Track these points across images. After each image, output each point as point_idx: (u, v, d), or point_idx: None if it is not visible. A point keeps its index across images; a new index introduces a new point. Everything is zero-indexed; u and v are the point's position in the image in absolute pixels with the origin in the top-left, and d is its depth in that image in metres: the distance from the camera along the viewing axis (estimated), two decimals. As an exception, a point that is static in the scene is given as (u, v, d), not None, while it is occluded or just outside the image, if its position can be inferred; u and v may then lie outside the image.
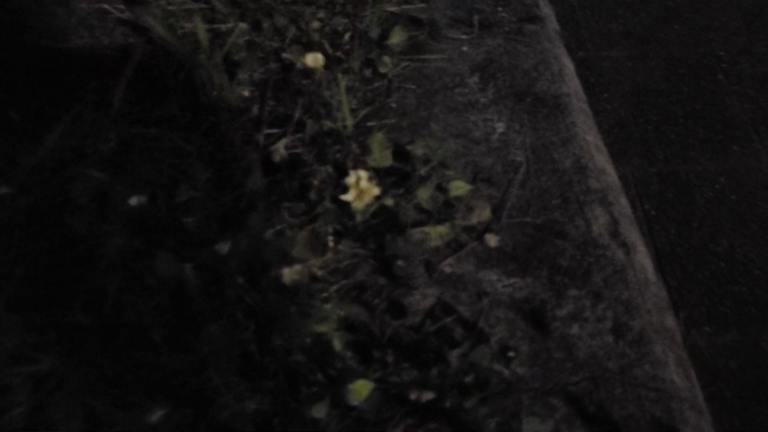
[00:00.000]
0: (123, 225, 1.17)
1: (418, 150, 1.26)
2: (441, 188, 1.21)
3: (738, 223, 1.93)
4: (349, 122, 1.30)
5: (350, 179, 1.08)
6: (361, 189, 1.07)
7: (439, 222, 1.16)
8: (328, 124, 1.34)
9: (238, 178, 1.32)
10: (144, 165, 1.36)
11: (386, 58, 1.52)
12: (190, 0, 1.83)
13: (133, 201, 1.12)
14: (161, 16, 1.76)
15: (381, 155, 1.20)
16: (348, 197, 1.08)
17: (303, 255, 0.92)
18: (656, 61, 2.51)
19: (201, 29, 1.69)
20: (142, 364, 1.09)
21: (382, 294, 1.15)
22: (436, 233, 1.14)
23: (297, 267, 0.89)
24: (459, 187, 1.19)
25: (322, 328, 0.94)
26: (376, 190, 1.08)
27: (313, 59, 1.21)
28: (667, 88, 2.36)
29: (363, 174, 1.08)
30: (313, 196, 1.17)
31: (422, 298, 1.14)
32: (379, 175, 1.28)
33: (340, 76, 1.21)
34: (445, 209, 1.21)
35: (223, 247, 1.05)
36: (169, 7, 1.81)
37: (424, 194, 1.15)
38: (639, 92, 2.35)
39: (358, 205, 1.08)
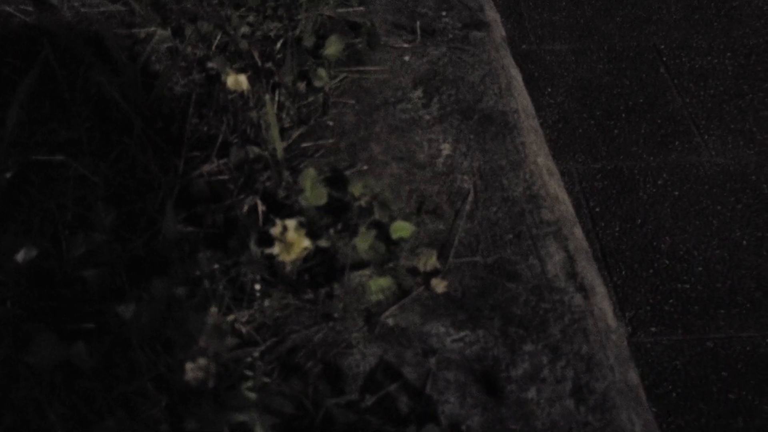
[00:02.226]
0: (12, 283, 0.93)
1: (358, 186, 1.05)
2: (381, 230, 1.01)
3: (680, 218, 1.88)
4: (279, 147, 1.09)
5: (275, 230, 0.87)
6: (288, 241, 0.87)
7: (380, 269, 0.96)
8: (255, 150, 1.12)
9: (151, 214, 1.10)
10: (43, 202, 1.12)
11: (322, 71, 1.30)
12: (107, 2, 1.56)
13: (20, 256, 0.89)
14: (72, 21, 1.49)
15: (314, 194, 0.99)
16: (274, 250, 0.88)
17: (212, 343, 0.72)
18: (598, 54, 2.41)
19: (114, 37, 1.43)
20: (34, 453, 0.87)
21: (316, 355, 0.96)
22: (377, 286, 0.95)
23: (201, 361, 0.69)
24: (402, 229, 0.99)
25: (241, 418, 0.75)
26: (306, 242, 0.88)
27: (234, 82, 0.99)
28: (610, 82, 2.28)
29: (290, 223, 0.87)
30: (234, 242, 0.96)
31: (362, 358, 0.95)
32: (315, 213, 1.07)
33: (268, 98, 1.00)
34: (387, 253, 1.01)
35: (126, 311, 0.84)
36: (83, 10, 1.53)
37: (362, 244, 0.95)
38: (582, 86, 2.26)
39: (286, 258, 0.87)
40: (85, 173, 1.17)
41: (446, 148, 1.21)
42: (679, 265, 1.75)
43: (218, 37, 1.43)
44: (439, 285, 1.00)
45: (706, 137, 2.06)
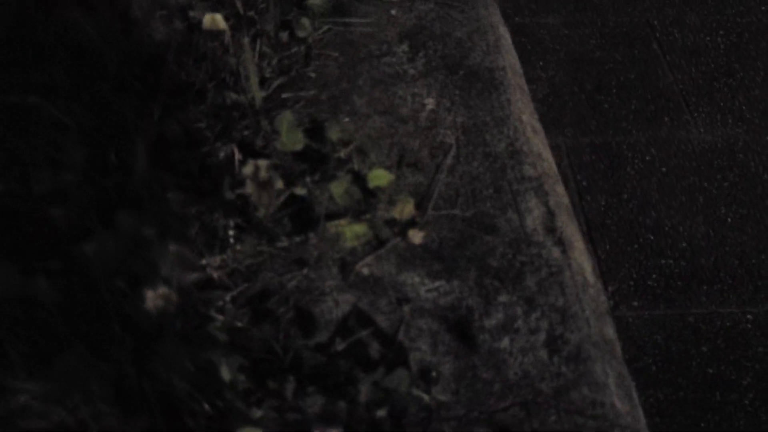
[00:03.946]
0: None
1: (336, 130, 1.04)
2: (359, 178, 1.00)
3: (667, 194, 1.88)
4: (258, 95, 1.07)
5: (247, 169, 0.85)
6: (260, 181, 0.85)
7: (356, 219, 0.95)
8: (232, 96, 1.10)
9: (124, 158, 1.08)
10: (15, 142, 1.10)
11: (305, 21, 1.28)
12: (86, -54, 1.52)
13: (-16, 190, 0.87)
14: (50, -36, 1.45)
15: (290, 138, 0.97)
16: (246, 190, 0.86)
17: (174, 272, 0.71)
18: (591, 28, 2.40)
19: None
20: (-6, 388, 0.86)
21: (288, 301, 0.95)
22: (352, 233, 0.93)
23: (163, 290, 0.68)
24: (379, 177, 0.98)
25: (207, 356, 0.74)
26: (279, 183, 0.86)
27: (211, 21, 0.96)
28: (602, 57, 2.26)
29: (262, 163, 0.85)
30: (207, 184, 0.95)
31: (335, 306, 0.94)
32: (293, 158, 1.06)
33: (246, 41, 0.98)
34: (365, 201, 1.00)
35: (91, 247, 0.82)
36: (61, -46, 1.50)
37: (337, 189, 0.94)
38: (574, 60, 2.24)
39: (258, 199, 0.86)
40: (58, 116, 1.15)
41: (430, 103, 1.20)
42: (664, 240, 1.75)
43: (201, -14, 1.40)
44: (416, 236, 0.99)
45: (695, 114, 2.06)
